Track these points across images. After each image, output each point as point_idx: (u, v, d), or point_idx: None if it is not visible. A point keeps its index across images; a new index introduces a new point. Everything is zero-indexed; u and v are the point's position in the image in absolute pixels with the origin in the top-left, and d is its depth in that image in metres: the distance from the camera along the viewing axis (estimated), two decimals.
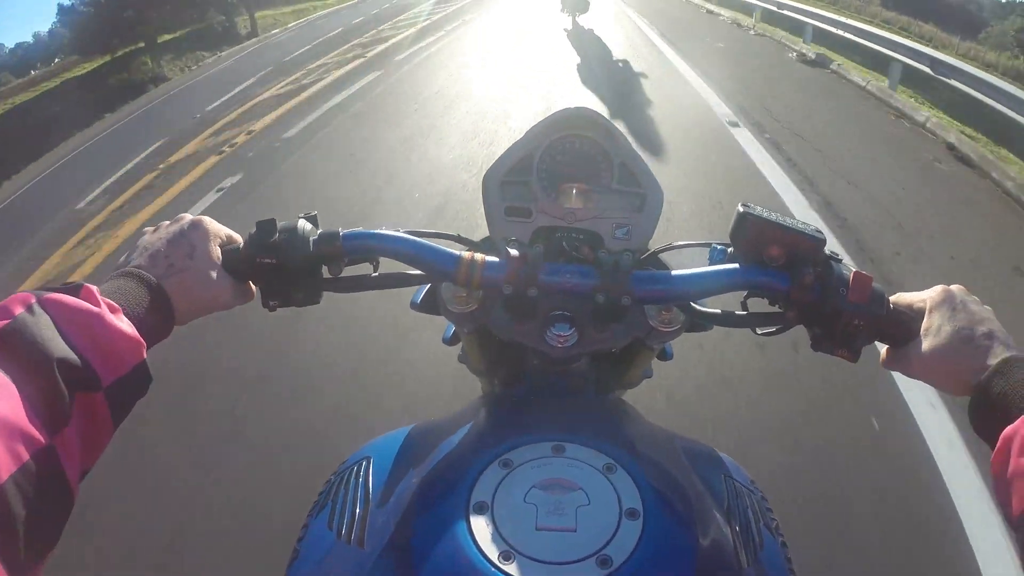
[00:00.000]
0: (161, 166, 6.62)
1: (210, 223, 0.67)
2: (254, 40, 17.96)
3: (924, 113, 6.25)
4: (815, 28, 9.05)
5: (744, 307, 0.70)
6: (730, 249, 0.68)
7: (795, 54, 8.93)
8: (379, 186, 4.98)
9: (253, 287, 0.69)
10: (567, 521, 0.52)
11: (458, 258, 0.65)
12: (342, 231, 0.67)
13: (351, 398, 2.64)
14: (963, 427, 2.31)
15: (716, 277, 0.66)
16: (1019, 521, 0.47)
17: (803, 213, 4.09)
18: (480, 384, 0.88)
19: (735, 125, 5.84)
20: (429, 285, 0.78)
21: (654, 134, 5.66)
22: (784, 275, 0.64)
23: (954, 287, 0.64)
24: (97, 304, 0.51)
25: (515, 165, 0.77)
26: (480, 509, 0.53)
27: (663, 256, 0.77)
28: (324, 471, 0.74)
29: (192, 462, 2.41)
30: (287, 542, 0.67)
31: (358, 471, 0.68)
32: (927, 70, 6.64)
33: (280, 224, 0.66)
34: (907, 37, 9.40)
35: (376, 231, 0.68)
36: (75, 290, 0.52)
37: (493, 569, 0.49)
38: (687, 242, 0.73)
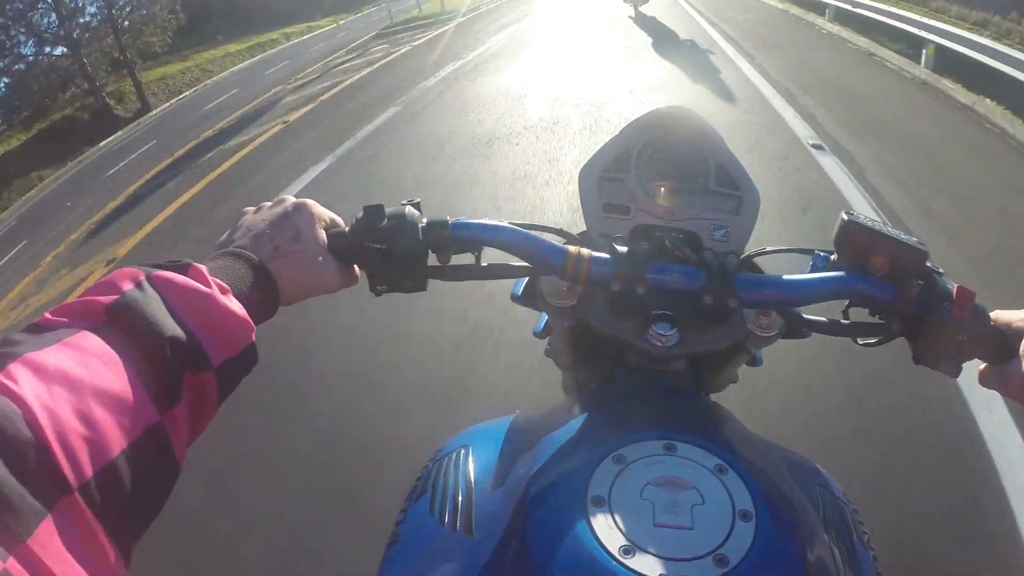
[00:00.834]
0: None
1: (314, 206, 0.67)
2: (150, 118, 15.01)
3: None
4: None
5: (845, 316, 0.70)
6: (833, 256, 0.69)
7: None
8: None
9: (358, 271, 0.69)
10: (683, 519, 0.53)
11: (565, 252, 0.66)
12: (451, 219, 0.68)
13: None
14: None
15: (821, 284, 0.66)
16: None
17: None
18: (563, 378, 0.88)
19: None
20: (529, 277, 0.78)
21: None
22: (889, 286, 0.64)
23: None
24: (207, 284, 0.51)
25: (612, 162, 0.77)
26: (598, 503, 0.54)
27: (757, 260, 0.77)
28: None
29: None
30: None
31: (457, 459, 0.68)
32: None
33: (388, 210, 0.66)
34: None
35: (484, 221, 0.69)
36: (183, 268, 0.51)
37: (615, 563, 0.49)
38: (789, 247, 0.73)
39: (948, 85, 6.67)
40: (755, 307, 0.69)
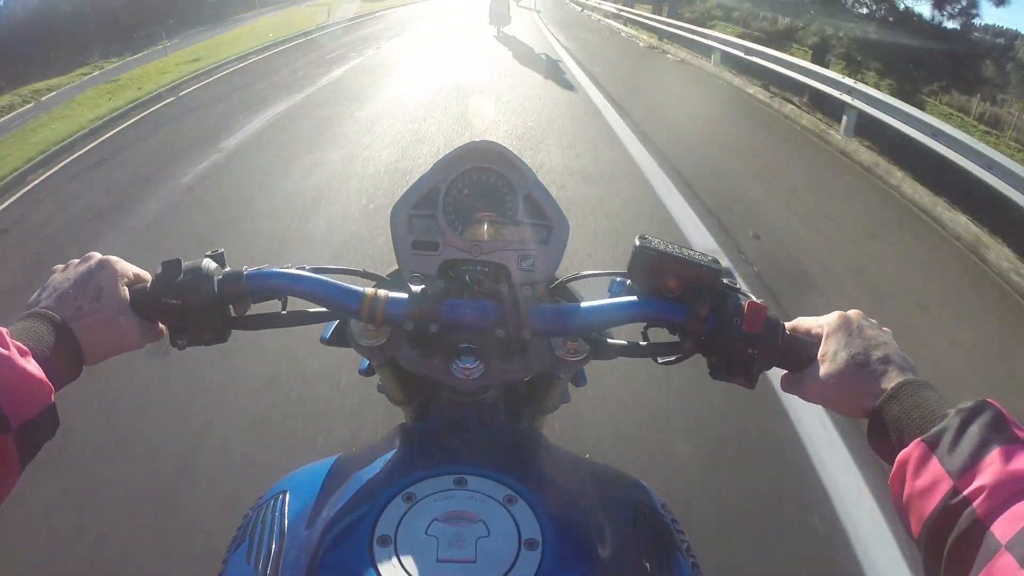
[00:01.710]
0: None
1: (117, 263, 0.67)
2: None
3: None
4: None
5: (645, 337, 0.73)
6: (629, 281, 0.71)
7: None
8: None
9: (162, 326, 0.69)
10: (467, 553, 0.54)
11: (361, 295, 0.67)
12: (246, 270, 0.68)
13: None
14: None
15: (614, 310, 0.68)
16: (919, 539, 0.49)
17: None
18: (403, 413, 0.89)
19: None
20: (338, 320, 0.79)
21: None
22: (679, 307, 0.67)
23: (851, 312, 0.66)
24: (6, 346, 0.52)
25: (422, 199, 0.78)
26: (384, 542, 0.55)
27: (573, 285, 0.79)
28: None
29: None
30: None
31: (275, 505, 0.69)
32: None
33: (185, 264, 0.66)
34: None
35: (279, 269, 0.69)
36: None
37: None
38: (591, 272, 0.76)
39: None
40: (551, 335, 0.71)
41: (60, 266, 0.68)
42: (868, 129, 7.06)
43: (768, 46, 10.19)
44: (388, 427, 0.79)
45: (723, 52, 11.01)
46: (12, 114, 10.95)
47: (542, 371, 0.74)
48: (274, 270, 0.69)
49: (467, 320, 0.67)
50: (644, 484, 0.77)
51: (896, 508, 0.54)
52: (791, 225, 4.67)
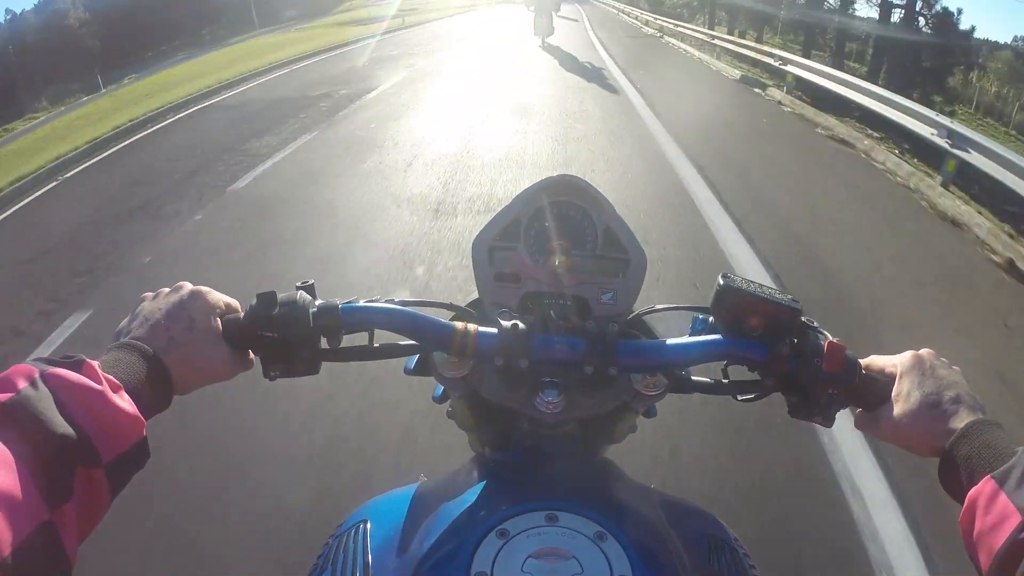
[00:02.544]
0: None
1: (209, 293, 0.68)
2: None
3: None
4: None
5: (725, 375, 0.74)
6: (711, 319, 0.72)
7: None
8: None
9: (253, 356, 0.70)
10: None
11: (453, 329, 0.68)
12: (340, 304, 0.70)
13: None
14: None
15: (697, 348, 0.69)
16: (989, 574, 0.51)
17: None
18: (468, 439, 0.90)
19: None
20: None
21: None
22: (762, 346, 0.68)
23: (923, 352, 0.67)
24: (99, 381, 0.52)
25: (503, 231, 0.80)
26: None
27: (647, 318, 0.80)
28: None
29: None
30: None
31: (356, 535, 0.70)
32: None
33: (280, 296, 0.68)
34: None
35: (373, 304, 0.70)
36: (76, 365, 0.52)
37: None
38: (671, 306, 0.77)
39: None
40: (635, 372, 0.72)
41: (149, 294, 0.68)
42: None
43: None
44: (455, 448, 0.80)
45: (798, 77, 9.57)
46: None
47: (621, 404, 0.75)
48: (368, 304, 0.70)
49: (556, 356, 0.68)
50: (715, 518, 0.78)
51: (966, 545, 0.55)
52: None
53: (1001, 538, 0.49)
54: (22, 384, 0.49)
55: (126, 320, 0.66)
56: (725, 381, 0.74)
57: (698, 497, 0.81)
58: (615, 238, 0.80)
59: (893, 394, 0.65)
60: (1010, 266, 4.33)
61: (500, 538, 0.59)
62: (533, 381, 0.71)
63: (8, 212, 7.25)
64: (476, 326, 0.69)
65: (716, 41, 14.92)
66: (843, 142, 7.39)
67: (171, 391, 0.63)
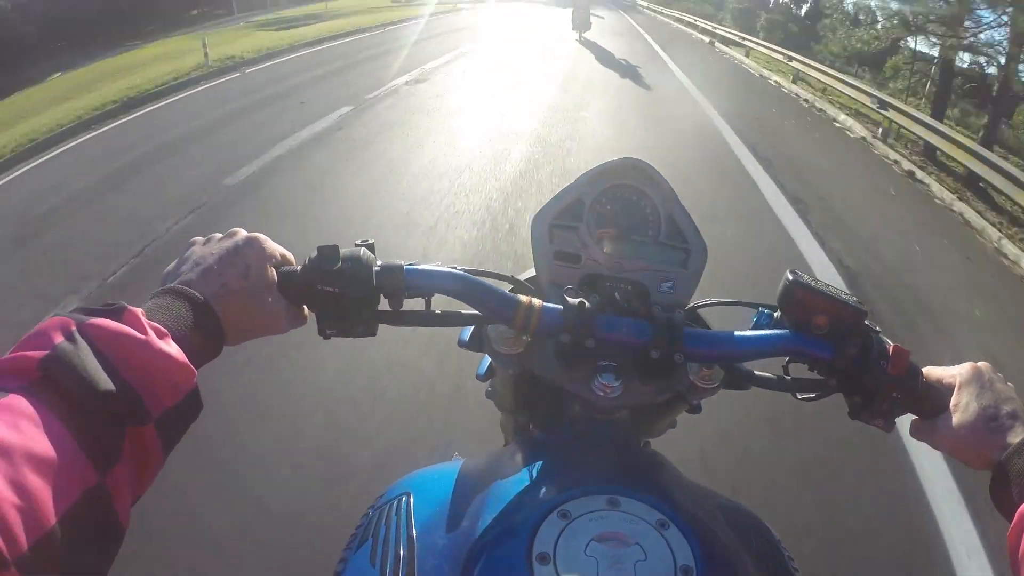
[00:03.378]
0: None
1: (266, 241, 0.65)
2: None
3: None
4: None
5: (786, 371, 0.73)
6: (776, 314, 0.71)
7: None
8: None
9: (308, 312, 0.68)
10: (626, 575, 0.53)
11: (516, 302, 0.66)
12: (405, 265, 0.67)
13: None
14: None
15: (764, 342, 0.68)
16: None
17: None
18: (501, 419, 0.88)
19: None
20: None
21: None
22: (829, 345, 0.67)
23: (982, 364, 0.68)
24: (143, 330, 0.49)
25: (565, 209, 0.78)
26: (543, 560, 0.53)
27: (703, 313, 0.79)
28: None
29: None
30: None
31: (398, 507, 0.67)
32: None
33: (343, 252, 0.65)
34: None
35: (437, 268, 0.68)
36: (117, 313, 0.49)
37: None
38: (735, 301, 0.76)
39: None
40: (699, 361, 0.70)
41: (200, 238, 0.65)
42: None
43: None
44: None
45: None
46: None
47: (674, 394, 0.74)
48: (432, 268, 0.68)
49: (622, 338, 0.66)
50: (761, 519, 0.77)
51: (1012, 562, 0.55)
52: None
53: None
54: (58, 338, 0.45)
55: (174, 264, 0.62)
56: (786, 378, 0.73)
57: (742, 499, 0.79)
58: (678, 227, 0.79)
59: (951, 404, 0.65)
60: None
61: (562, 519, 0.57)
62: (590, 364, 0.69)
63: None
64: (540, 301, 0.67)
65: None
66: None
67: (221, 340, 0.59)
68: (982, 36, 10.86)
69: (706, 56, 16.48)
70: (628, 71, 12.48)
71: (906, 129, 8.64)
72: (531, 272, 0.81)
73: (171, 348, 0.50)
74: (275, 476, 2.44)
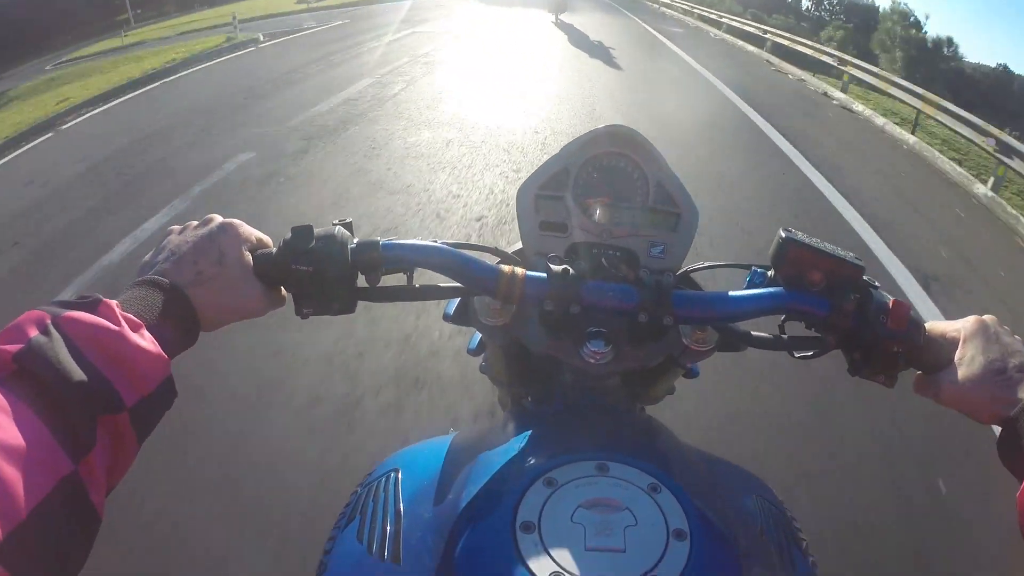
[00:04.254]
0: None
1: (240, 226, 0.65)
2: None
3: None
4: None
5: (782, 330, 0.71)
6: (770, 272, 0.69)
7: None
8: None
9: (285, 293, 0.67)
10: (616, 542, 0.52)
11: (499, 271, 0.65)
12: (381, 240, 0.66)
13: None
14: None
15: (757, 300, 0.66)
16: None
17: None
18: (498, 394, 0.87)
19: None
20: (462, 297, 0.77)
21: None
22: (824, 301, 0.65)
23: (987, 317, 0.65)
24: (117, 321, 0.49)
25: (550, 179, 0.77)
26: (527, 528, 0.52)
27: (695, 276, 0.77)
28: None
29: None
30: None
31: (386, 483, 0.66)
32: None
33: (317, 231, 0.64)
34: None
35: (415, 242, 0.67)
36: (92, 306, 0.49)
37: None
38: (727, 263, 0.74)
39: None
40: (691, 324, 0.68)
41: (176, 227, 0.65)
42: None
43: None
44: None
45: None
46: None
47: (666, 359, 0.72)
48: (410, 242, 0.67)
49: (609, 303, 0.64)
50: (762, 481, 0.75)
51: (1021, 522, 0.53)
52: None
53: None
54: (32, 332, 0.45)
55: (150, 254, 0.62)
56: (782, 337, 0.71)
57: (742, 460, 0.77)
58: (667, 192, 0.77)
59: (956, 358, 0.63)
60: None
61: (547, 487, 0.56)
62: (579, 331, 0.68)
63: None
64: (523, 270, 0.65)
65: None
66: None
67: (197, 328, 0.59)
68: None
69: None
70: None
71: None
72: (520, 246, 0.79)
73: (144, 340, 0.50)
74: None
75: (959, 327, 0.65)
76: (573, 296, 0.64)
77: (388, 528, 0.61)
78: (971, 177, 6.84)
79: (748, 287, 0.69)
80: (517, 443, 0.64)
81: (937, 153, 7.61)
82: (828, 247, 0.66)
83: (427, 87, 8.77)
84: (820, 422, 2.68)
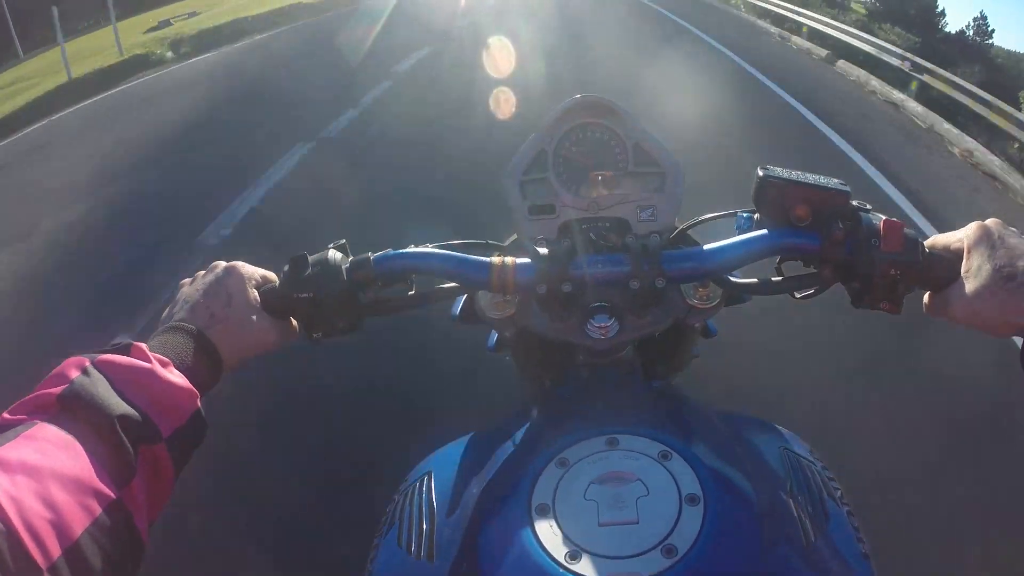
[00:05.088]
0: None
1: (243, 267, 0.69)
2: None
3: None
4: None
5: (779, 272, 0.69)
6: (756, 215, 0.67)
7: None
8: None
9: (295, 323, 0.70)
10: (628, 514, 0.53)
11: (489, 265, 0.66)
12: (372, 255, 0.68)
13: None
14: None
15: (746, 246, 0.65)
16: None
17: None
18: (528, 388, 0.88)
19: None
20: (466, 296, 0.79)
21: None
22: (813, 234, 0.63)
23: (990, 222, 0.60)
24: (148, 360, 0.54)
25: (531, 163, 0.77)
26: (542, 512, 0.54)
27: (693, 232, 0.76)
28: None
29: None
30: None
31: (420, 487, 0.69)
32: None
33: (312, 257, 0.67)
34: None
35: (404, 250, 0.69)
36: (125, 349, 0.54)
37: (561, 570, 0.49)
38: (714, 214, 0.72)
39: None
40: (684, 281, 0.68)
41: (187, 280, 0.70)
42: None
43: None
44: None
45: None
46: None
47: (676, 322, 0.72)
48: (400, 251, 0.69)
49: (599, 275, 0.65)
50: (792, 433, 0.74)
51: None
52: None
53: None
54: (74, 374, 0.50)
55: (167, 308, 0.67)
56: (780, 279, 0.69)
57: (774, 414, 0.76)
58: (646, 153, 0.76)
59: (962, 271, 0.59)
60: None
61: (560, 467, 0.57)
62: (582, 309, 0.68)
63: None
64: (513, 258, 0.66)
65: None
66: None
67: (220, 366, 0.63)
68: None
69: None
70: None
71: None
72: (515, 236, 0.80)
73: (174, 376, 0.55)
74: None
75: (961, 236, 0.61)
76: (562, 275, 0.64)
77: (424, 529, 0.63)
78: None
79: (737, 233, 0.68)
80: (531, 428, 0.66)
81: None
82: (810, 178, 0.64)
83: None
84: None
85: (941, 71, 7.73)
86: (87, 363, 0.51)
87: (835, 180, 0.64)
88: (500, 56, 7.99)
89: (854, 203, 0.63)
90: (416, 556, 0.61)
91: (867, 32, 10.52)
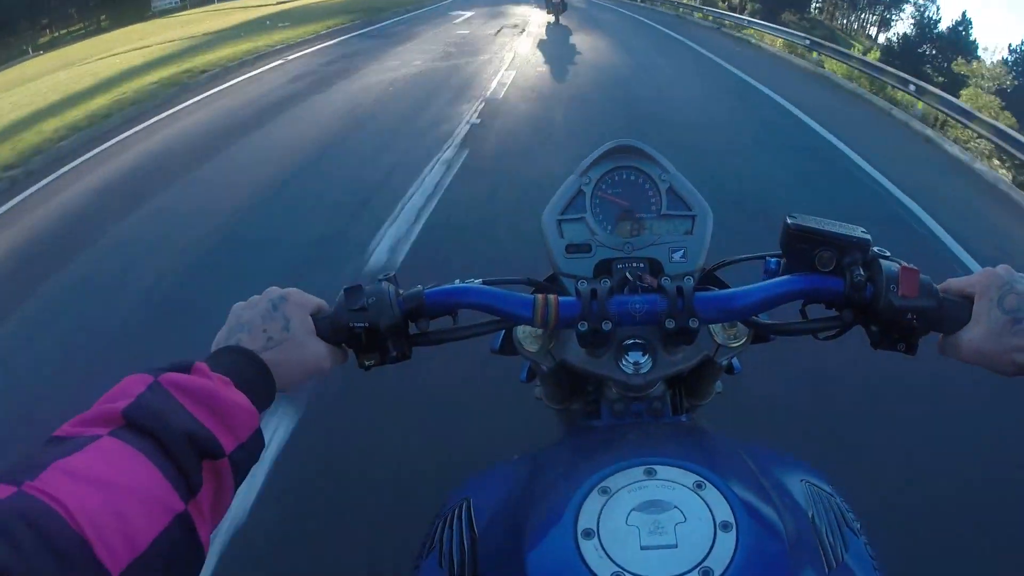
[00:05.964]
0: None
1: (298, 294, 0.72)
2: None
3: None
4: None
5: (803, 314, 0.73)
6: (783, 260, 0.72)
7: None
8: None
9: (347, 349, 0.74)
10: (668, 539, 0.56)
11: (533, 302, 0.70)
12: (424, 289, 0.73)
13: None
14: None
15: (774, 290, 0.69)
16: None
17: None
18: (557, 419, 0.92)
19: None
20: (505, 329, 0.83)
21: None
22: (837, 280, 0.68)
23: (999, 268, 0.65)
24: (210, 378, 0.56)
25: (568, 204, 0.82)
26: (587, 535, 0.57)
27: (719, 273, 0.81)
28: None
29: None
30: None
31: (459, 512, 0.72)
32: None
33: (367, 288, 0.71)
34: None
35: (454, 285, 0.73)
36: (186, 367, 0.57)
37: None
38: (742, 256, 0.77)
39: None
40: (716, 322, 0.72)
41: (241, 303, 0.72)
42: None
43: None
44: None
45: None
46: None
47: (704, 359, 0.76)
48: (450, 286, 0.73)
49: (637, 315, 0.69)
50: (810, 465, 0.77)
51: None
52: None
53: None
54: (139, 390, 0.52)
55: (223, 331, 0.69)
56: (803, 321, 0.73)
57: (796, 448, 0.80)
58: (679, 197, 0.81)
59: (973, 314, 0.63)
60: None
61: (602, 495, 0.61)
62: (617, 345, 0.72)
63: None
64: (556, 296, 0.70)
65: None
66: None
67: (274, 387, 0.66)
68: None
69: None
70: None
71: None
72: (551, 273, 0.84)
73: (236, 394, 0.58)
74: None
75: (973, 282, 0.65)
76: (603, 314, 0.68)
77: (466, 552, 0.66)
78: None
79: (765, 277, 0.73)
80: (573, 459, 0.69)
81: None
82: (833, 226, 0.69)
83: None
84: None
85: None
86: (150, 380, 0.53)
87: (859, 229, 0.69)
88: None
89: (875, 249, 0.68)
90: None
91: None
